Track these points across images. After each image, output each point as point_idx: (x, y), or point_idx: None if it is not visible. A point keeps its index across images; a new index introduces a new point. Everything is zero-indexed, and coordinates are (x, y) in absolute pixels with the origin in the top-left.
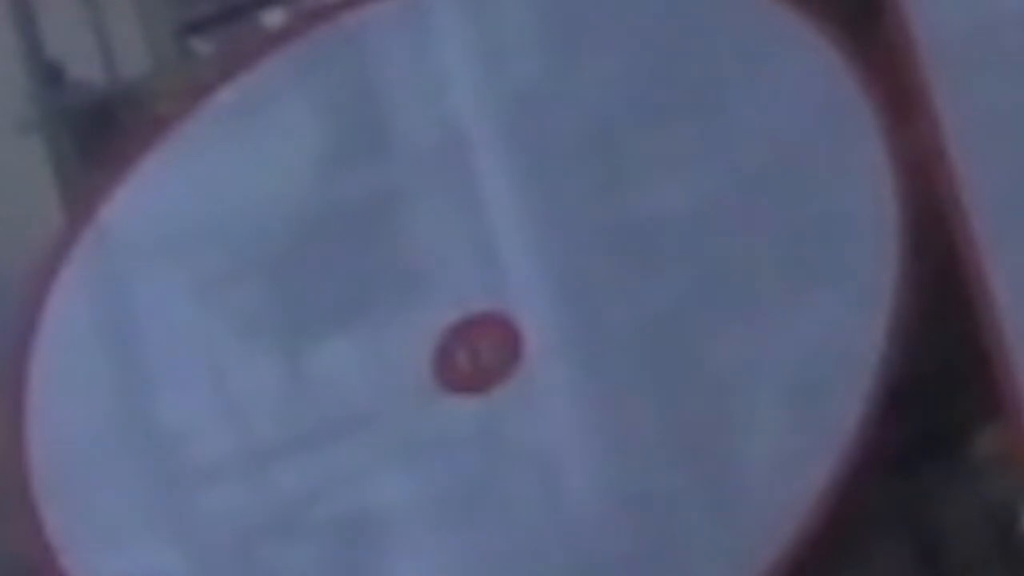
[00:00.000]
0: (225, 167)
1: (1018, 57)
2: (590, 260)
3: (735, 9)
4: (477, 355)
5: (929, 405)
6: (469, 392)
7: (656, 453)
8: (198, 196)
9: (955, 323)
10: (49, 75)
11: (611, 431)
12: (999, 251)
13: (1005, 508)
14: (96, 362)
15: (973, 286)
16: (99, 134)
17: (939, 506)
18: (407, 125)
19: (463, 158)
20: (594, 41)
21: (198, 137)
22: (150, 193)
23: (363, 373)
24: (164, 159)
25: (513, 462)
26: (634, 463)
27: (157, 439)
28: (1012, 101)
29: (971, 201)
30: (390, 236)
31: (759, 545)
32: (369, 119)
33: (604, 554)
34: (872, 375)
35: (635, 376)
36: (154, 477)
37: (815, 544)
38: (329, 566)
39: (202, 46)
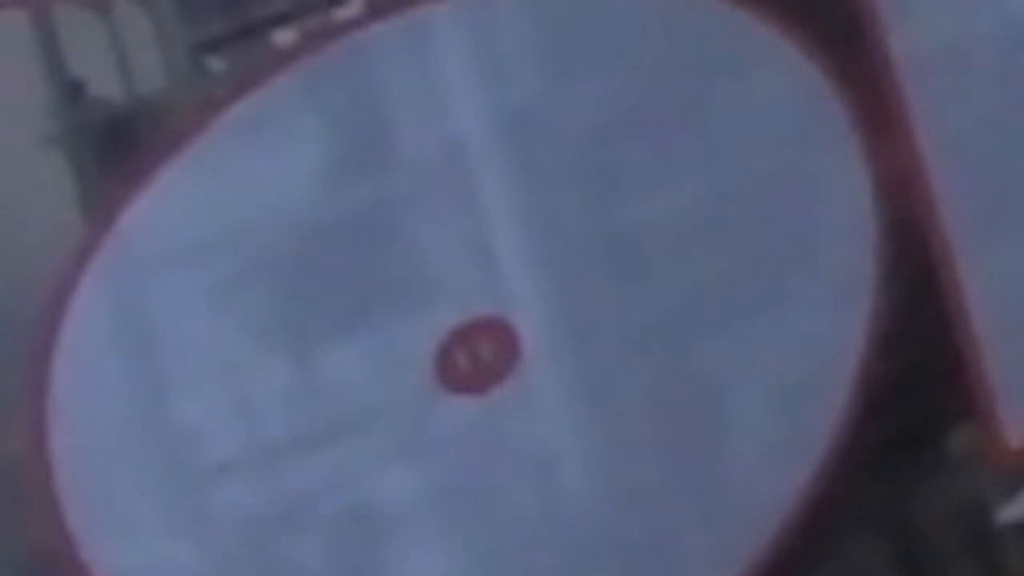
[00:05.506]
0: (238, 178)
1: (991, 75)
2: (584, 267)
3: (721, 30)
4: (477, 357)
5: (906, 405)
6: (469, 392)
7: (647, 451)
8: (212, 206)
9: (931, 326)
10: (70, 92)
11: (604, 429)
12: (972, 258)
13: (980, 503)
14: (115, 363)
15: (948, 291)
16: (118, 147)
17: (916, 501)
18: (410, 139)
19: (464, 170)
20: (587, 61)
21: (212, 150)
22: (167, 203)
23: (368, 374)
24: (180, 171)
25: (510, 458)
26: (625, 460)
27: (172, 437)
28: (985, 117)
29: (945, 210)
30: (394, 244)
31: (745, 539)
32: (374, 133)
33: (597, 547)
34: (851, 377)
35: (627, 377)
36: (170, 473)
37: (798, 538)
38: (335, 558)
39: (216, 64)
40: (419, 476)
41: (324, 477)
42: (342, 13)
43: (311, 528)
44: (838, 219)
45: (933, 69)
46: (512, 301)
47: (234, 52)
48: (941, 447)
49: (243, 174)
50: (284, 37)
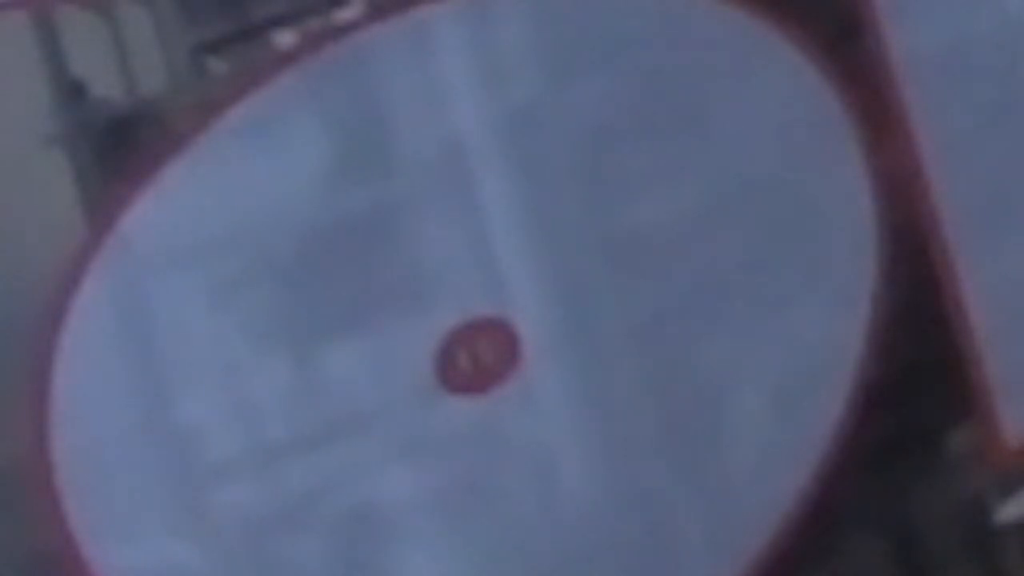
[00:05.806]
0: (239, 179)
1: (991, 76)
2: (584, 267)
3: (720, 30)
4: (477, 357)
5: (905, 404)
6: (469, 393)
7: (648, 451)
8: (213, 207)
9: (931, 326)
10: (72, 92)
11: (604, 430)
12: (971, 258)
13: (978, 503)
14: (116, 364)
15: (947, 291)
16: (119, 148)
17: (914, 502)
18: (411, 140)
19: (464, 171)
20: (588, 61)
21: (213, 151)
22: (168, 204)
23: (369, 375)
24: (181, 172)
25: (511, 458)
26: (627, 461)
27: (173, 437)
28: (985, 117)
29: (945, 211)
30: (395, 245)
31: (745, 539)
32: (375, 134)
33: (597, 547)
34: (851, 376)
35: (627, 377)
36: (170, 473)
37: (798, 538)
38: (335, 559)
39: (217, 65)
40: (419, 476)
41: (324, 477)
42: (343, 14)
43: (311, 528)
44: (838, 219)
45: (933, 69)
46: (512, 301)
47: (235, 53)
48: (941, 447)
49: (244, 175)
50: (285, 39)
